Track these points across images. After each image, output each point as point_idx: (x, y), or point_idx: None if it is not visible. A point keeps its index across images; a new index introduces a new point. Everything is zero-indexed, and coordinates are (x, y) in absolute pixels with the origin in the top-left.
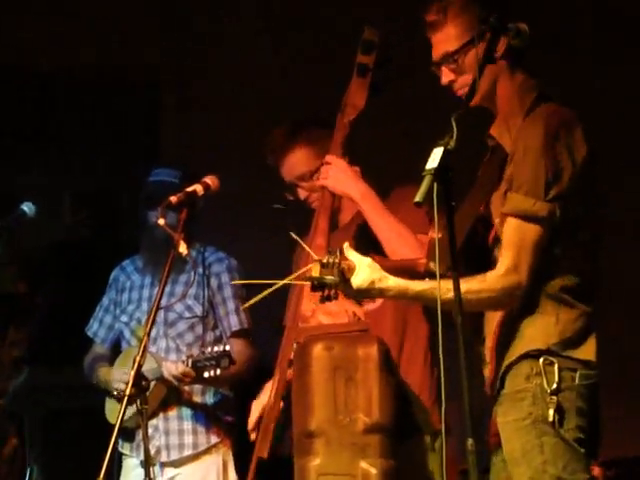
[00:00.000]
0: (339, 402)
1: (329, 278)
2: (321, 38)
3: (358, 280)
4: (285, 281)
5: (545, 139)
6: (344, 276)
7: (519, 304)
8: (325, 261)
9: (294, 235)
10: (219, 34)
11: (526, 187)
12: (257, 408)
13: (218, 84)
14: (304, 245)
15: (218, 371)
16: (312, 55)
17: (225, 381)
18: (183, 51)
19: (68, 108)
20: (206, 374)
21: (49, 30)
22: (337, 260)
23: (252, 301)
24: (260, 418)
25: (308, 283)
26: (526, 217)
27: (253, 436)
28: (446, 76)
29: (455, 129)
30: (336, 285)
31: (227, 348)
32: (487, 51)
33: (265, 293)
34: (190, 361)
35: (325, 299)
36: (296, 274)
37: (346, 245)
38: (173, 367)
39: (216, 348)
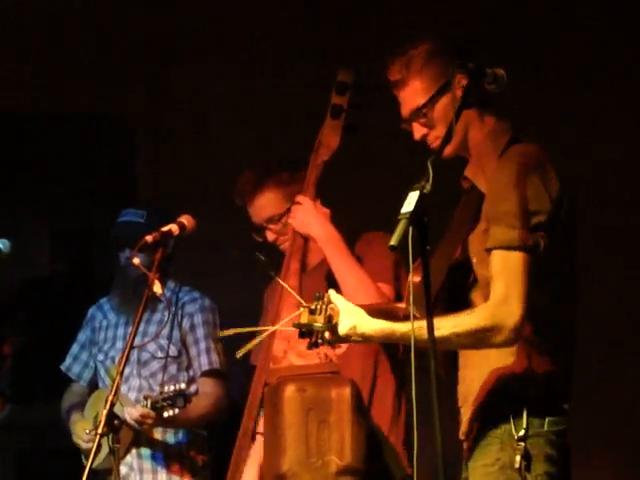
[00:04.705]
0: (311, 444)
1: (317, 325)
2: (297, 79)
3: (343, 325)
4: (274, 327)
5: (522, 174)
6: (331, 322)
7: (514, 340)
8: (313, 307)
9: (280, 280)
10: (197, 73)
11: (507, 219)
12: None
13: (190, 126)
14: (292, 292)
15: (176, 410)
16: (285, 97)
17: (192, 422)
18: (157, 93)
19: (42, 145)
20: (165, 414)
21: (19, 71)
22: (324, 306)
23: (246, 348)
24: None
25: (295, 329)
26: (511, 247)
27: None
28: (418, 131)
29: (431, 173)
30: (324, 331)
31: (182, 387)
32: (464, 97)
33: (257, 341)
34: (149, 402)
35: (313, 345)
36: (284, 320)
37: (332, 291)
38: (133, 411)
39: (172, 387)
